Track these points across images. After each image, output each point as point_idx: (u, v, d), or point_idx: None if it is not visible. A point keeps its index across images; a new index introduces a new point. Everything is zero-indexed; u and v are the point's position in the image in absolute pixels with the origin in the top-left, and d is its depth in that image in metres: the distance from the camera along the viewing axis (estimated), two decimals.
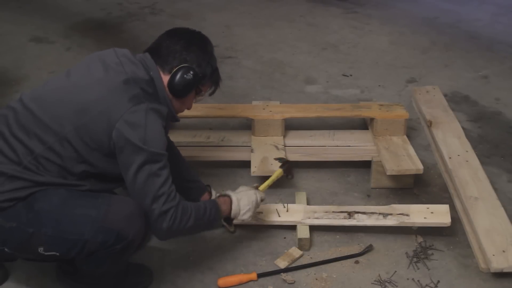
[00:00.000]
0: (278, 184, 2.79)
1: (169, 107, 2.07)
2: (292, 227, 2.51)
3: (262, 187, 2.40)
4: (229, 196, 2.23)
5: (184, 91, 2.07)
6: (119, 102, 1.92)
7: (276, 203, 2.68)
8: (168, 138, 2.45)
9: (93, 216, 1.89)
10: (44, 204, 1.89)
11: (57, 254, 1.91)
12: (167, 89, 2.06)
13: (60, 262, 2.19)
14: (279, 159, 2.63)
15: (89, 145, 1.93)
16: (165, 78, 2.05)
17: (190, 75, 2.03)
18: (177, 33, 2.11)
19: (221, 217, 2.19)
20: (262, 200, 2.32)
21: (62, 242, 1.89)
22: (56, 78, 2.10)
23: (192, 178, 2.47)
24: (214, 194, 2.50)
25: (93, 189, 1.99)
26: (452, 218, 2.58)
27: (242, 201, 2.23)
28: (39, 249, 1.90)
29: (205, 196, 2.47)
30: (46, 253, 1.91)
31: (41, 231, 1.88)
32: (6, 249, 1.94)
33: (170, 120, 2.15)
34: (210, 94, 2.23)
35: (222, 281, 2.23)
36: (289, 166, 2.53)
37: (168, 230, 1.97)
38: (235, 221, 2.31)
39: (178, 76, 2.02)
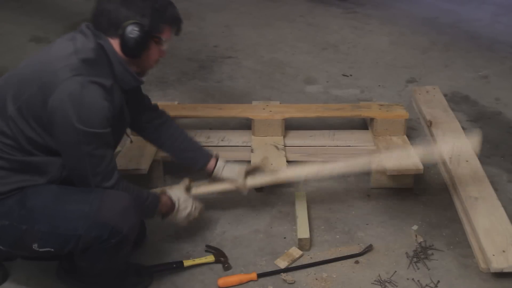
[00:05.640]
0: (277, 184, 2.79)
1: (127, 71, 1.98)
2: (292, 228, 2.52)
3: (198, 191, 2.38)
4: (173, 202, 2.24)
5: (139, 49, 1.95)
6: (56, 73, 1.84)
7: (274, 206, 2.69)
8: (162, 113, 2.42)
9: (86, 211, 1.88)
10: (36, 201, 1.89)
11: (52, 250, 1.91)
12: (121, 53, 1.95)
13: (61, 260, 2.19)
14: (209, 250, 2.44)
15: (30, 123, 1.88)
16: (116, 43, 1.94)
17: (136, 31, 1.90)
18: None
19: (156, 213, 2.19)
20: (197, 210, 2.33)
21: (56, 238, 1.88)
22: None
23: (192, 147, 2.44)
24: (221, 161, 2.44)
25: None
26: (452, 218, 2.59)
27: (180, 207, 2.25)
28: (33, 245, 1.90)
29: (211, 163, 2.43)
30: (40, 250, 1.91)
31: (34, 228, 1.88)
32: (1, 247, 1.94)
33: (134, 84, 2.05)
34: (177, 34, 2.08)
35: (222, 281, 2.23)
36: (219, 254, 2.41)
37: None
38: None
39: (125, 38, 1.90)
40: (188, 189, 2.35)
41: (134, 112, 2.31)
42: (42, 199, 1.90)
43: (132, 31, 1.90)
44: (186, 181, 2.36)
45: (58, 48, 1.93)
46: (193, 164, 2.45)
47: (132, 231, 1.96)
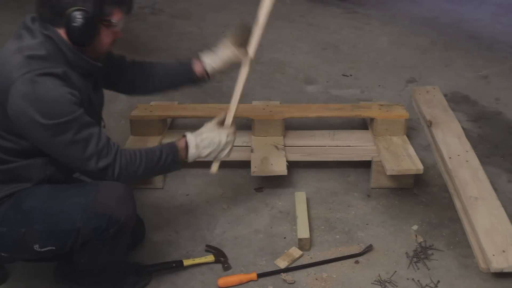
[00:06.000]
0: (277, 184, 2.80)
1: (81, 59, 1.89)
2: (292, 228, 2.52)
3: (228, 115, 2.22)
4: (187, 145, 2.09)
5: (86, 37, 1.85)
6: (4, 78, 1.77)
7: (274, 206, 2.69)
8: (139, 63, 2.31)
9: (82, 204, 1.87)
10: (31, 202, 1.89)
11: (53, 248, 1.90)
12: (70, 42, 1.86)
13: (59, 262, 2.19)
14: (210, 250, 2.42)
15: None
16: (64, 32, 1.85)
17: (79, 19, 1.79)
18: None
19: (180, 161, 2.08)
20: (230, 136, 2.16)
21: (56, 235, 1.88)
22: None
23: (174, 68, 2.34)
24: (205, 54, 2.32)
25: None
26: (452, 218, 2.59)
27: (202, 143, 2.10)
28: (34, 246, 1.89)
29: (197, 66, 2.31)
30: (42, 250, 1.90)
31: (33, 229, 1.87)
32: (2, 254, 1.93)
33: (91, 69, 1.96)
34: (129, 12, 1.96)
35: (222, 281, 2.23)
36: (219, 253, 2.38)
37: (117, 180, 1.92)
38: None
39: (69, 27, 1.80)
40: (222, 123, 2.20)
41: (117, 79, 2.27)
42: (37, 199, 1.90)
43: (75, 19, 1.80)
44: (220, 116, 2.21)
45: (5, 50, 1.85)
46: (186, 80, 2.34)
47: (130, 219, 1.95)
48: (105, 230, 1.88)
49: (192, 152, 2.09)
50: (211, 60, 2.32)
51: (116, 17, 1.90)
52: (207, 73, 2.33)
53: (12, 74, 1.76)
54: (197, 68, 2.32)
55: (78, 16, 1.80)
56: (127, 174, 1.93)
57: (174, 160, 2.05)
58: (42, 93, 1.76)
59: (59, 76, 1.80)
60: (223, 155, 2.17)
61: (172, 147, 2.06)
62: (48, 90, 1.76)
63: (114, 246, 1.97)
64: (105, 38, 1.92)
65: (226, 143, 2.16)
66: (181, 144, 2.09)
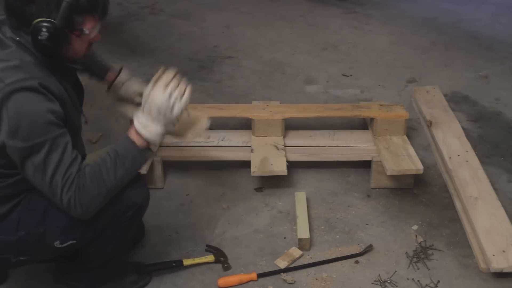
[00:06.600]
0: (277, 184, 2.80)
1: (58, 64, 1.79)
2: (292, 228, 2.52)
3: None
4: (136, 129, 1.83)
5: (54, 49, 1.70)
6: None
7: (274, 206, 2.69)
8: None
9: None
10: (45, 202, 1.84)
11: (74, 241, 1.90)
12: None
13: (60, 261, 2.19)
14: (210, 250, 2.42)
15: None
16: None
17: (44, 33, 1.65)
18: None
19: (141, 148, 1.82)
20: (182, 91, 1.93)
21: (77, 227, 1.87)
22: None
23: (96, 65, 2.23)
24: (124, 73, 2.24)
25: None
26: (452, 218, 2.58)
27: (151, 115, 1.82)
28: (55, 243, 1.88)
29: (110, 75, 2.24)
30: (63, 245, 1.89)
31: (52, 226, 1.86)
32: (21, 258, 1.91)
33: (71, 73, 1.89)
34: (103, 17, 1.80)
35: (222, 281, 2.23)
36: (219, 253, 2.38)
37: (87, 209, 1.76)
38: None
39: (35, 40, 1.67)
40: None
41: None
42: None
43: (40, 32, 1.65)
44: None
45: None
46: (96, 78, 2.25)
47: (146, 201, 1.99)
48: (123, 213, 1.91)
49: (143, 133, 1.82)
50: (124, 86, 2.26)
51: (89, 25, 1.75)
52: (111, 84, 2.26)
53: None
54: (109, 77, 2.26)
55: (43, 29, 1.65)
56: (95, 195, 1.75)
57: (134, 149, 1.81)
58: (16, 112, 1.63)
59: (36, 90, 1.66)
60: (182, 104, 1.93)
61: (124, 138, 1.83)
62: (21, 106, 1.64)
63: (127, 231, 2.00)
64: (78, 46, 1.79)
65: (171, 97, 1.88)
66: (131, 131, 1.84)
